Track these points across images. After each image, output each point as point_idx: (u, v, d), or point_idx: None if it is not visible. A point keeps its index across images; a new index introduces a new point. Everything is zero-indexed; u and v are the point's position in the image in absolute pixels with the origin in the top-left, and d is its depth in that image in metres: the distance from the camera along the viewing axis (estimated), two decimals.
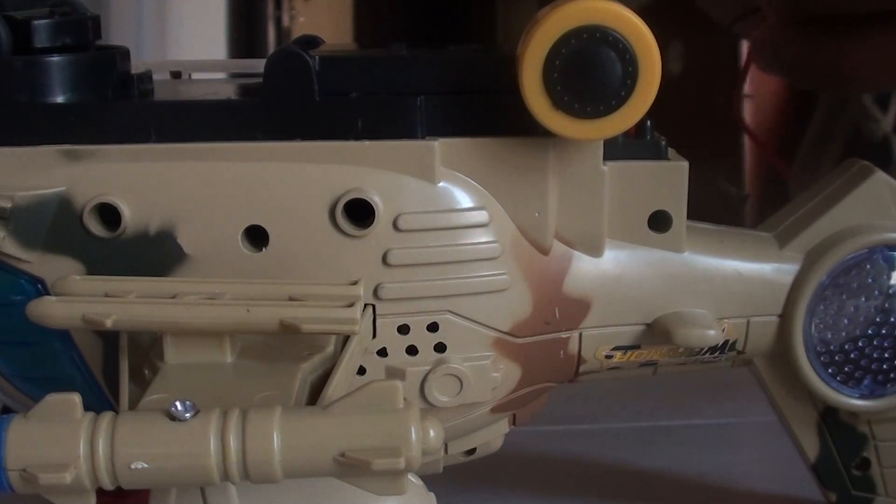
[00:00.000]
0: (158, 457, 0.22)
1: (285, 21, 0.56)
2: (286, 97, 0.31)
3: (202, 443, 0.22)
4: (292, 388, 0.26)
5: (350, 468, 0.22)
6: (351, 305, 0.27)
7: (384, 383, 0.23)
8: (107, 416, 0.23)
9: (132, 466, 0.22)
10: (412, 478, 0.32)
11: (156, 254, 0.31)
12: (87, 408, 0.27)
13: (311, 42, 0.38)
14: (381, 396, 0.23)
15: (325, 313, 0.26)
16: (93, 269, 0.31)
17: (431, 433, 0.23)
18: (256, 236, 0.31)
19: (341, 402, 0.23)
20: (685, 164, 0.34)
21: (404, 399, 0.23)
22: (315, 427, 0.23)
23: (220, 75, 0.42)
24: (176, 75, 0.41)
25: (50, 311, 0.27)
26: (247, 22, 0.59)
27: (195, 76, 0.41)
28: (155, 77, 0.38)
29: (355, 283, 0.29)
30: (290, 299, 0.28)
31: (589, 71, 0.29)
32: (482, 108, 0.32)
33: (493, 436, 0.36)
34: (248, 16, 0.60)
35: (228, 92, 0.35)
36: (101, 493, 0.28)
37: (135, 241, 0.31)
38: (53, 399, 0.23)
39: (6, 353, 0.33)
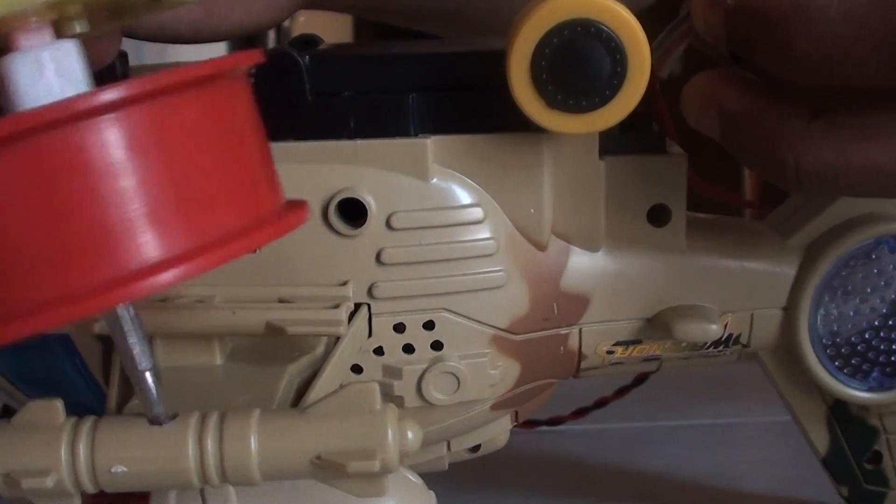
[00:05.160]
0: (138, 460, 0.23)
1: (285, 21, 0.56)
2: (278, 97, 0.31)
3: (180, 446, 0.22)
4: (276, 390, 0.26)
5: (326, 470, 0.22)
6: (337, 307, 0.26)
7: (361, 385, 0.23)
8: (88, 421, 0.23)
9: (112, 470, 0.22)
10: (411, 476, 0.32)
11: None
12: (88, 410, 0.27)
13: (309, 41, 0.38)
14: (358, 398, 0.23)
15: (310, 315, 0.26)
16: None
17: (409, 435, 0.23)
18: None
19: (319, 404, 0.23)
20: (684, 157, 0.33)
21: (382, 401, 0.23)
22: (292, 429, 0.23)
23: None
24: None
25: None
26: None
27: None
28: None
29: (344, 283, 0.29)
30: (280, 301, 0.28)
31: (577, 65, 0.29)
32: (475, 105, 0.32)
33: (497, 432, 0.36)
34: None
35: None
36: (102, 494, 0.29)
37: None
38: (36, 405, 0.23)
39: (8, 356, 0.33)
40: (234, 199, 0.22)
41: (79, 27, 0.23)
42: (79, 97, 0.20)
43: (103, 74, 0.33)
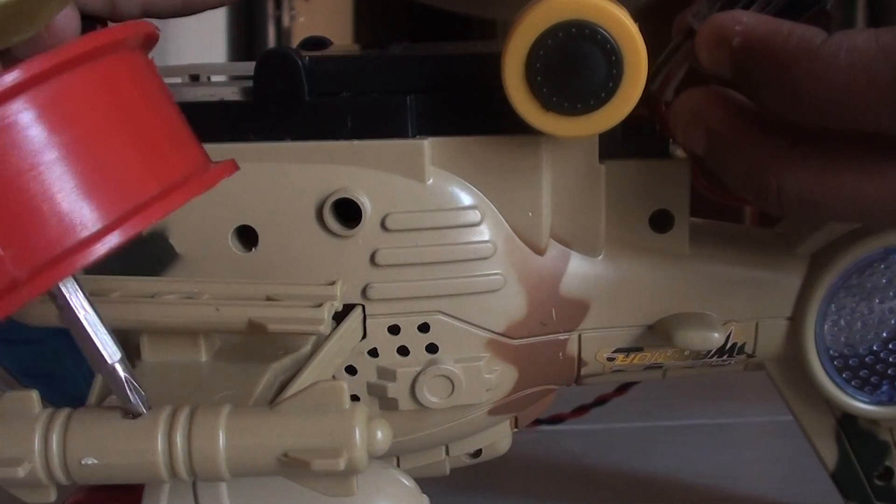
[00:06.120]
0: (108, 453, 0.23)
1: (285, 21, 0.56)
2: (276, 98, 0.31)
3: (150, 440, 0.22)
4: (254, 388, 0.26)
5: (293, 468, 0.22)
6: (319, 305, 0.26)
7: (330, 383, 0.23)
8: (63, 413, 0.23)
9: (83, 462, 0.23)
10: (405, 479, 0.31)
11: (150, 254, 0.31)
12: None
13: (318, 43, 0.38)
14: (326, 397, 0.23)
15: (291, 313, 0.26)
16: (90, 269, 0.31)
17: (379, 435, 0.23)
18: (247, 236, 0.31)
19: (287, 401, 0.23)
20: (687, 161, 0.33)
21: (352, 400, 0.23)
22: (260, 426, 0.23)
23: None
24: (195, 78, 0.41)
25: (28, 309, 0.27)
26: (247, 22, 0.59)
27: (214, 79, 0.42)
28: (169, 80, 0.39)
29: (332, 283, 0.29)
30: (268, 299, 0.28)
31: (572, 67, 0.29)
32: (473, 107, 0.32)
33: (498, 437, 0.36)
34: (248, 16, 0.61)
35: (227, 94, 0.35)
36: (97, 490, 0.29)
37: (129, 242, 0.31)
38: (12, 396, 0.24)
39: (12, 351, 0.34)
40: (145, 167, 0.22)
41: None
42: None
43: None
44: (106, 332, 0.23)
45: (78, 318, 0.23)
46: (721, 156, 0.29)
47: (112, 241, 0.20)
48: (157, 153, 0.23)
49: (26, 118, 0.20)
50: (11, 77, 0.20)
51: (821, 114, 0.26)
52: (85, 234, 0.20)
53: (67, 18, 0.29)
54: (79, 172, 0.20)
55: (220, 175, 0.23)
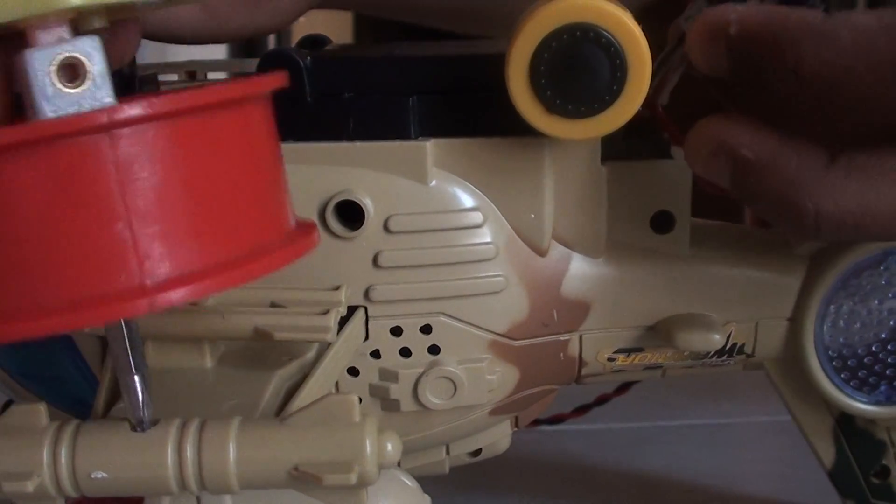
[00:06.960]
0: (118, 466, 0.23)
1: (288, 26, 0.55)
2: (278, 98, 0.31)
3: (160, 453, 0.22)
4: (262, 396, 0.26)
5: (304, 482, 0.22)
6: (326, 313, 0.26)
7: (340, 396, 0.23)
8: (71, 425, 0.23)
9: (92, 476, 0.23)
10: (406, 480, 0.32)
11: None
12: (88, 408, 0.27)
13: (316, 41, 0.38)
14: (337, 410, 0.23)
15: (298, 321, 0.26)
16: None
17: (389, 447, 0.23)
18: None
19: (298, 415, 0.23)
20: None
21: (361, 412, 0.23)
22: (270, 440, 0.23)
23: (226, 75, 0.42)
24: (191, 75, 0.41)
25: None
26: None
27: (212, 76, 0.41)
28: (165, 78, 0.38)
29: (337, 288, 0.28)
30: (273, 305, 0.28)
31: (576, 70, 0.29)
32: (476, 108, 0.31)
33: (498, 437, 0.36)
34: None
35: None
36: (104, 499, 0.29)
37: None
38: (19, 409, 0.24)
39: (12, 353, 0.34)
40: (251, 221, 0.22)
41: (97, 23, 0.23)
42: (99, 111, 0.19)
43: (117, 77, 0.33)
44: (140, 341, 0.23)
45: (120, 326, 0.23)
46: (751, 183, 0.28)
47: (186, 293, 0.20)
48: (259, 213, 0.22)
49: (139, 149, 0.20)
50: (134, 110, 0.19)
51: (822, 95, 0.26)
52: (168, 276, 0.20)
53: (134, 31, 0.28)
54: (178, 216, 0.20)
55: (307, 247, 0.23)
